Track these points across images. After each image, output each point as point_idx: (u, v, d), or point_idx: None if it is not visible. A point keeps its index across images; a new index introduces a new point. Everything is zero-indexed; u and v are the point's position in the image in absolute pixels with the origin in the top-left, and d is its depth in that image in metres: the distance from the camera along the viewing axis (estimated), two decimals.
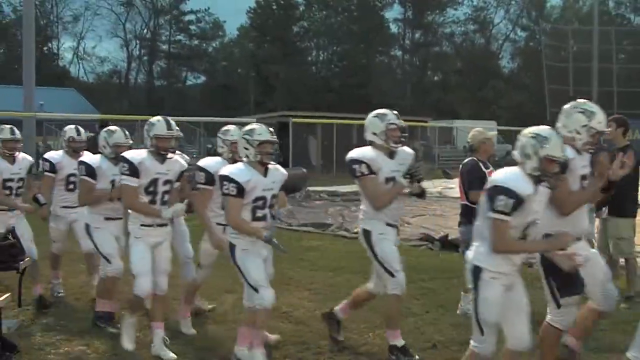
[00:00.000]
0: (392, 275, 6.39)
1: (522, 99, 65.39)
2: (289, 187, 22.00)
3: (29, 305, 8.24)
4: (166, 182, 6.65)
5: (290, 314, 8.03)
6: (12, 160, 8.29)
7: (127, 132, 7.57)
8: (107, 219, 7.32)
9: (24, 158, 8.47)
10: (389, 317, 6.60)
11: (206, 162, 7.13)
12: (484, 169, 8.04)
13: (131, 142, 7.53)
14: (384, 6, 71.73)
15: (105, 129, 7.57)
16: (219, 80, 72.96)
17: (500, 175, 4.87)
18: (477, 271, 4.90)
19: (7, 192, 8.21)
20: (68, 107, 43.07)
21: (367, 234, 6.46)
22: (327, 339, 7.10)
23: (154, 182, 6.57)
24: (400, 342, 6.49)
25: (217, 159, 7.16)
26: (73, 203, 8.41)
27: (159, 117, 6.72)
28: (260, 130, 6.07)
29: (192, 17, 73.96)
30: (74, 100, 54.52)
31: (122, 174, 6.52)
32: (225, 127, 7.44)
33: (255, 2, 69.57)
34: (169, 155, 6.64)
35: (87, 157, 7.56)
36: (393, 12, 74.77)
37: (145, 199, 6.58)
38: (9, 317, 7.42)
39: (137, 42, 74.84)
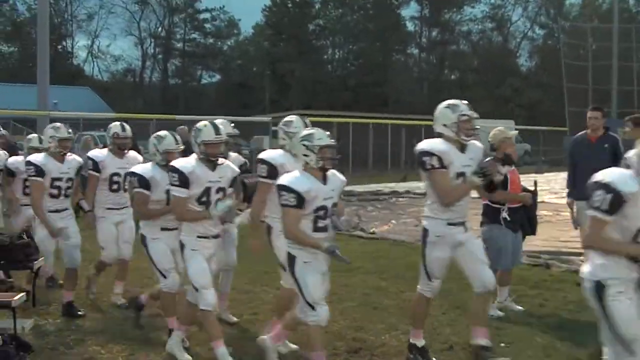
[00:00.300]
0: (429, 279, 6.35)
1: (540, 98, 65.07)
2: None
3: (43, 305, 8.29)
4: (219, 190, 6.36)
5: None
6: (61, 159, 8.19)
7: (177, 137, 7.17)
8: (164, 229, 6.89)
9: (73, 158, 8.35)
10: (413, 315, 6.59)
11: (268, 154, 6.79)
12: None
13: (182, 147, 7.13)
14: (400, 4, 71.51)
15: (154, 135, 7.19)
16: (234, 78, 73.00)
17: (602, 173, 4.57)
18: (599, 289, 4.55)
19: (56, 191, 8.09)
20: (82, 106, 43.24)
21: (424, 232, 6.31)
22: (343, 339, 7.09)
23: (207, 191, 6.29)
24: (420, 342, 6.47)
25: (280, 151, 6.79)
26: (118, 204, 8.37)
27: (205, 122, 6.42)
28: (320, 135, 5.81)
29: (207, 15, 74.01)
30: (88, 99, 54.74)
31: (172, 184, 6.26)
32: (288, 118, 7.03)
33: (271, 0, 69.54)
34: (220, 161, 6.38)
35: (139, 167, 7.16)
36: (409, 10, 74.61)
37: (197, 209, 6.29)
38: (24, 317, 7.46)
39: (152, 40, 74.99)
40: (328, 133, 5.88)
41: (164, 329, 7.09)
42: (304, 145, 5.78)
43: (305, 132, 5.91)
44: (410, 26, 74.07)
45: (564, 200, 9.95)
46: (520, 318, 8.03)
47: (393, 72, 68.22)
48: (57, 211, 8.14)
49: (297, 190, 5.63)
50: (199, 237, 6.28)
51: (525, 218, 8.19)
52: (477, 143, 6.29)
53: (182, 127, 18.57)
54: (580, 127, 10.34)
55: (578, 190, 9.46)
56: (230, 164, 6.57)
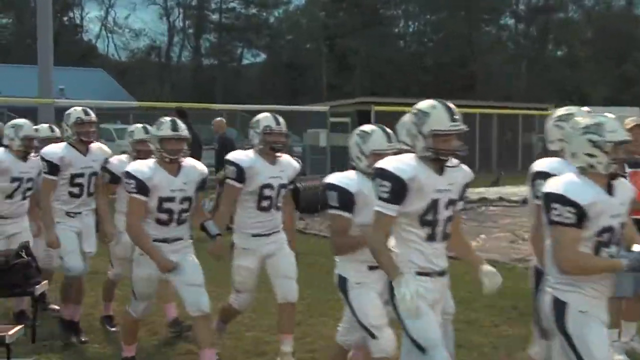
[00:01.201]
0: None
1: None
2: None
3: (45, 341, 8.34)
4: (449, 203, 5.47)
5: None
6: (175, 169, 7.05)
7: (390, 133, 6.25)
8: (372, 267, 5.92)
9: (191, 167, 7.19)
10: None
11: (545, 164, 5.99)
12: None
13: (398, 145, 6.21)
14: None
15: (357, 131, 6.32)
16: (283, 58, 73.27)
17: None
18: None
19: (166, 216, 6.97)
20: (95, 92, 43.76)
21: None
22: None
23: (434, 205, 5.38)
24: None
25: (555, 159, 6.05)
26: (268, 228, 7.50)
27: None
28: (613, 125, 4.98)
29: None
30: (102, 83, 55.35)
31: (382, 198, 5.29)
32: (565, 111, 6.25)
33: None
34: (452, 162, 5.44)
35: (339, 177, 6.11)
36: None
37: (420, 232, 5.38)
38: (21, 356, 7.48)
39: (181, 10, 75.68)
40: (614, 116, 5.11)
41: None
42: (589, 140, 4.97)
43: (589, 121, 5.11)
44: None
45: None
46: None
47: (482, 48, 67.77)
48: (165, 241, 7.06)
49: (577, 201, 4.84)
50: (419, 273, 5.42)
51: None
52: None
53: (220, 119, 18.67)
54: None
55: None
56: (463, 166, 5.62)
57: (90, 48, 73.80)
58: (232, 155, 7.49)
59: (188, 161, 7.11)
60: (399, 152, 5.93)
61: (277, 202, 7.46)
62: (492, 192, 25.00)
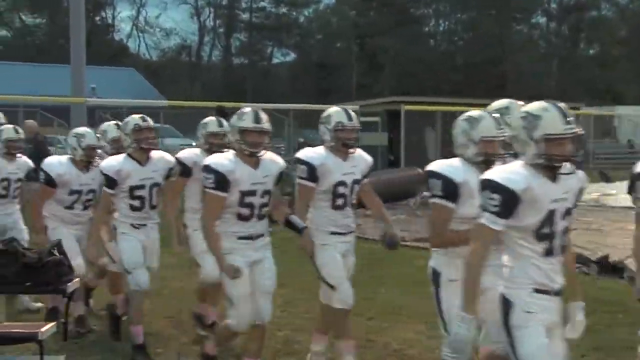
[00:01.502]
0: None
1: None
2: (401, 192, 21.82)
3: (77, 339, 8.38)
4: (566, 213, 5.05)
5: (404, 352, 7.95)
6: (254, 162, 6.77)
7: (497, 122, 5.91)
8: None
9: (271, 160, 6.92)
10: None
11: None
12: None
13: (507, 132, 5.81)
14: None
15: (464, 116, 5.96)
16: (313, 57, 73.26)
17: None
18: None
19: (248, 211, 6.70)
20: (126, 91, 43.99)
21: None
22: None
23: (550, 217, 4.98)
24: None
25: None
26: (345, 228, 7.25)
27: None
28: None
29: None
30: (133, 82, 55.70)
31: (486, 209, 4.95)
32: None
33: None
34: (566, 168, 5.01)
35: (442, 165, 5.82)
36: None
37: (536, 247, 4.99)
38: (53, 353, 7.51)
39: (211, 10, 75.83)
40: None
41: None
42: None
43: None
44: None
45: None
46: None
47: (513, 47, 67.46)
48: (250, 237, 6.80)
49: None
50: (537, 290, 4.98)
51: None
52: None
53: None
54: None
55: None
56: (578, 171, 5.13)
57: (121, 47, 74.16)
58: (302, 154, 7.19)
59: (267, 154, 6.80)
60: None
61: (351, 199, 7.17)
62: None
